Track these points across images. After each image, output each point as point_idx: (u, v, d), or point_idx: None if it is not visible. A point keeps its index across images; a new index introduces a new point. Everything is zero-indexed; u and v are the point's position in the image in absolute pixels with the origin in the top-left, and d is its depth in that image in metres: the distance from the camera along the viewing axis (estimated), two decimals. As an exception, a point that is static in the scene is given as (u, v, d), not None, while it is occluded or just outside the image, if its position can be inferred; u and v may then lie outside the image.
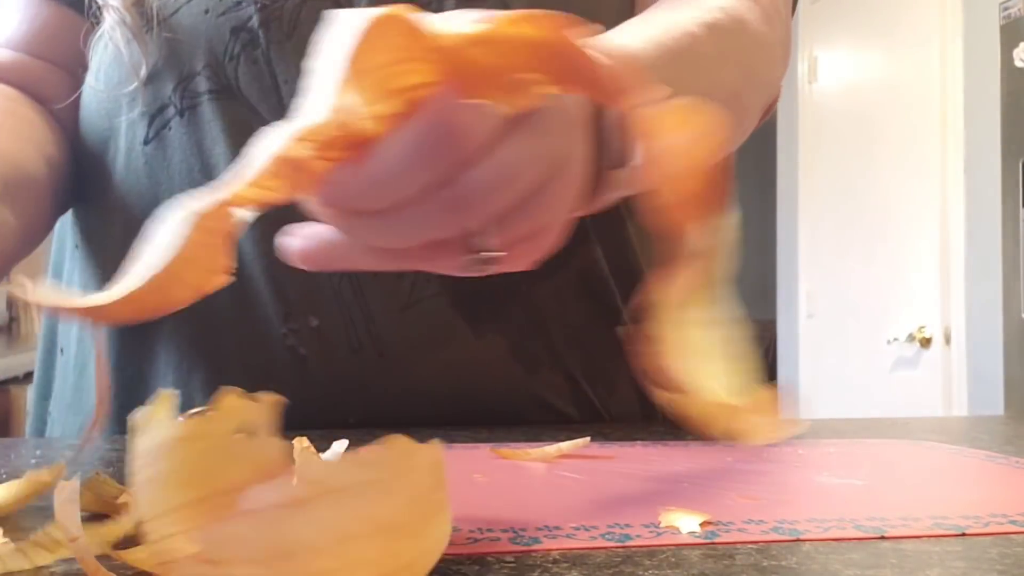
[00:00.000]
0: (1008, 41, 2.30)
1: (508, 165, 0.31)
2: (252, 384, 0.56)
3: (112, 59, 0.60)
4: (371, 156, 0.29)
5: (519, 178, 0.31)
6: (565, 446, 0.45)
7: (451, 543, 0.29)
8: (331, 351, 0.55)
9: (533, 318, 0.60)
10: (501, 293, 0.58)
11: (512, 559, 0.27)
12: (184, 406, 0.57)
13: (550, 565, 0.27)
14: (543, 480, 0.39)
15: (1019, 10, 2.27)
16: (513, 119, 0.31)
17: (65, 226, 0.66)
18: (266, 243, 0.55)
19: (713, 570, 0.26)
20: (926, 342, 2.74)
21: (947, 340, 2.67)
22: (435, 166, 0.30)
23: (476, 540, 0.29)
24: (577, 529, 0.30)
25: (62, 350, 0.64)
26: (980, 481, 0.41)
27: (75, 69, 0.63)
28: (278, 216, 0.49)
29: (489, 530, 0.30)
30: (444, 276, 0.50)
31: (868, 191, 2.84)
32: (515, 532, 0.30)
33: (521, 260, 0.35)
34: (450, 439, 0.50)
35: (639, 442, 0.50)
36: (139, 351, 0.58)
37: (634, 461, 0.44)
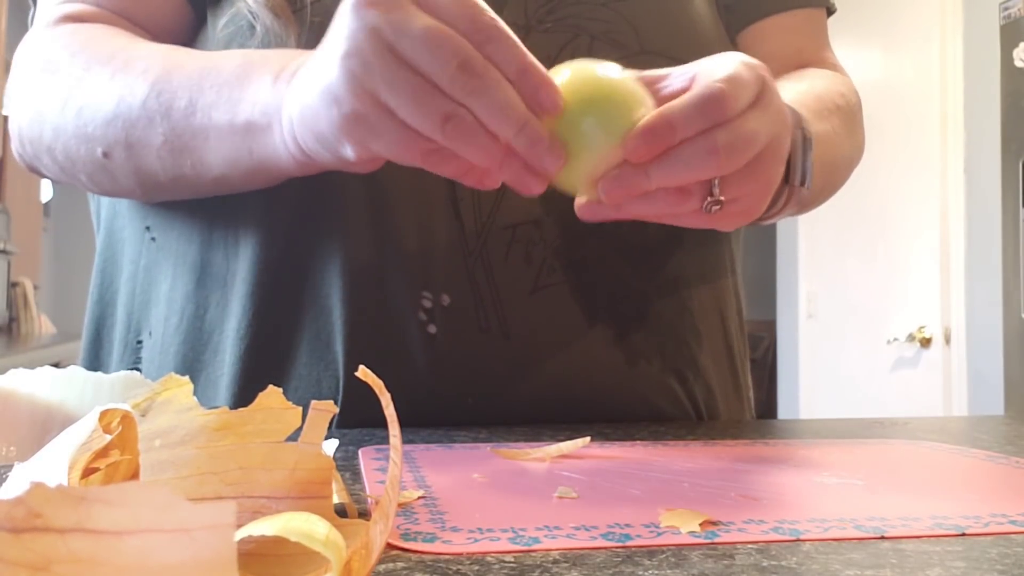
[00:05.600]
0: (1008, 41, 2.30)
1: (753, 129, 0.45)
2: (383, 359, 0.57)
3: (246, 37, 0.59)
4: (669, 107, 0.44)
5: (757, 139, 0.46)
6: (565, 446, 0.45)
7: (451, 543, 0.29)
8: (460, 330, 0.57)
9: (643, 314, 0.62)
10: (612, 288, 0.61)
11: (512, 559, 0.27)
12: (317, 378, 0.57)
13: (550, 565, 0.27)
14: (543, 480, 0.39)
15: (1019, 10, 2.27)
16: (755, 99, 0.46)
17: (135, 220, 0.65)
18: (421, 216, 0.57)
19: (713, 570, 0.26)
20: (926, 342, 2.74)
21: (947, 340, 2.67)
22: (709, 117, 0.44)
23: (476, 540, 0.29)
24: (577, 529, 0.30)
25: (151, 333, 0.63)
26: (980, 481, 0.41)
27: (159, 34, 0.63)
28: (433, 193, 0.58)
29: (489, 530, 0.30)
30: (567, 267, 0.59)
31: (868, 191, 2.84)
32: (515, 532, 0.30)
33: (732, 219, 0.50)
34: (450, 439, 0.50)
35: (639, 442, 0.50)
36: (280, 319, 0.58)
37: (634, 461, 0.44)
